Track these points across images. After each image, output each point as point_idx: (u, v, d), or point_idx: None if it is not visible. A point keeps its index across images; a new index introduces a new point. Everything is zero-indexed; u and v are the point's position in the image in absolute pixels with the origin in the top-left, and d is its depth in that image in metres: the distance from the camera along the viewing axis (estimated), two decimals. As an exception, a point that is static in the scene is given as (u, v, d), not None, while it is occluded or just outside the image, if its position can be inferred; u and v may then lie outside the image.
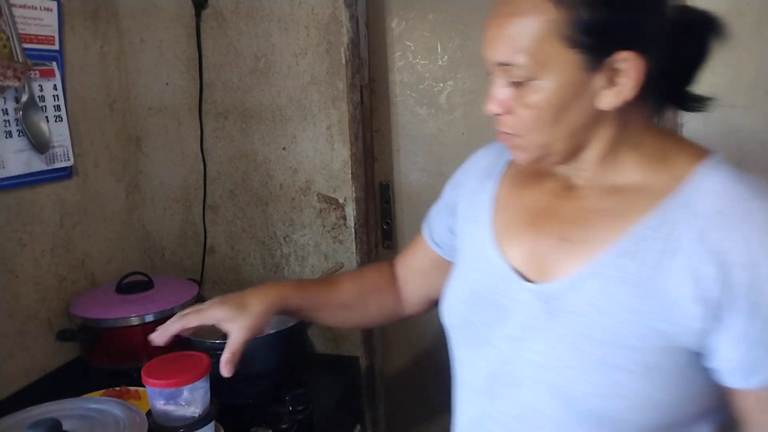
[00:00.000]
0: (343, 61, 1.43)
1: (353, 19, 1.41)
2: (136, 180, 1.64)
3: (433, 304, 1.03)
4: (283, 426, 1.09)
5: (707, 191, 0.67)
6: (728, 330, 0.64)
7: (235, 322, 0.90)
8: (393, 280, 1.06)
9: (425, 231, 1.02)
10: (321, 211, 1.53)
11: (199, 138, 1.57)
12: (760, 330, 0.63)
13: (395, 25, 1.53)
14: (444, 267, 0.95)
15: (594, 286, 0.70)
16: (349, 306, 1.03)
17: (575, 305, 0.71)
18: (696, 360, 0.67)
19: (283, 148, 1.52)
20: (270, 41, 1.47)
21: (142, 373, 0.90)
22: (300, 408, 1.12)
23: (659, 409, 0.67)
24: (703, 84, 1.28)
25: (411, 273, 1.05)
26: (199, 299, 1.48)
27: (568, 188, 0.78)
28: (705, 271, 0.64)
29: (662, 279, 0.66)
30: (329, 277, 1.09)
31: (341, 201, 1.51)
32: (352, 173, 1.48)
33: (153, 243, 1.68)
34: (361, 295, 1.03)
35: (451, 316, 0.86)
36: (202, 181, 1.60)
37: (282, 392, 1.16)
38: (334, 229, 1.53)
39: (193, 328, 0.92)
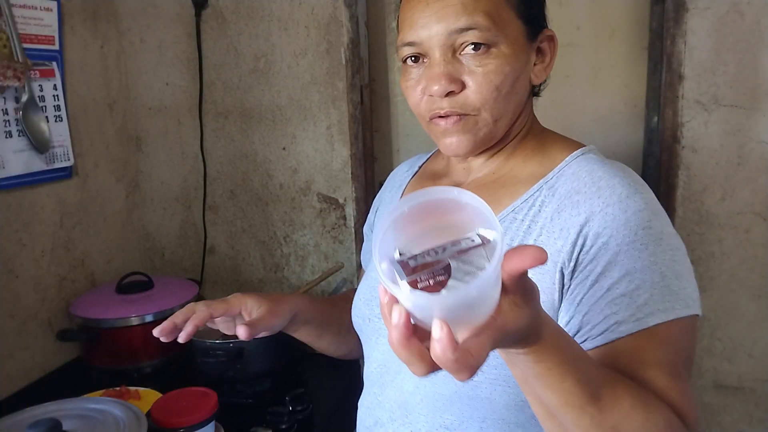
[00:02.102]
0: (343, 61, 1.43)
1: (353, 19, 1.41)
2: (136, 180, 1.64)
3: None
4: (283, 426, 1.09)
5: (568, 174, 0.72)
6: (568, 296, 0.67)
7: (260, 306, 0.87)
8: None
9: (363, 258, 1.04)
10: (321, 211, 1.53)
11: (199, 138, 1.57)
12: (590, 295, 0.65)
13: (395, 25, 1.53)
14: None
15: None
16: (350, 329, 0.99)
17: None
18: None
19: (283, 148, 1.52)
20: (270, 41, 1.47)
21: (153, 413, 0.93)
22: (300, 408, 1.12)
23: (512, 385, 0.69)
24: (703, 84, 1.29)
25: None
26: (199, 299, 1.48)
27: (457, 185, 0.82)
28: (558, 244, 0.68)
29: None
30: (336, 298, 1.09)
31: (341, 201, 1.51)
32: (352, 173, 1.48)
33: (153, 243, 1.68)
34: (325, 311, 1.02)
35: (354, 314, 0.90)
36: (202, 181, 1.60)
37: (282, 392, 1.16)
38: (334, 229, 1.53)
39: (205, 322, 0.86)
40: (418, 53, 0.72)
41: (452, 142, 0.74)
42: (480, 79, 0.69)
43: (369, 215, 1.04)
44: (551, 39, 0.73)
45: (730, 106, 1.26)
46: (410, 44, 0.72)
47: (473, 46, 0.68)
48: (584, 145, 0.78)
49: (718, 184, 1.30)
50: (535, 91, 0.80)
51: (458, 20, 0.67)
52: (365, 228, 1.04)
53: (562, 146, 0.77)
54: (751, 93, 1.25)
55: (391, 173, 1.01)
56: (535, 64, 0.73)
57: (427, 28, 0.69)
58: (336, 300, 1.08)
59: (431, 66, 0.71)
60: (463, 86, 0.70)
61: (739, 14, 1.22)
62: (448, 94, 0.70)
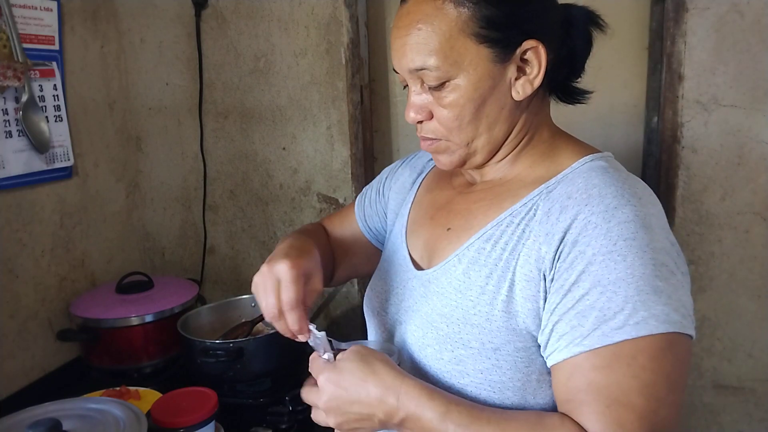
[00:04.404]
0: (343, 61, 1.43)
1: (353, 19, 1.41)
2: (136, 180, 1.64)
3: (349, 280, 1.06)
4: (283, 426, 1.09)
5: (568, 179, 0.71)
6: (547, 305, 0.66)
7: (316, 270, 0.79)
8: (332, 250, 1.03)
9: (359, 216, 1.03)
10: (321, 211, 1.53)
11: (199, 138, 1.57)
12: (562, 304, 0.64)
13: (395, 25, 1.53)
14: (371, 252, 0.96)
15: (459, 269, 0.74)
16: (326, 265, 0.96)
17: (443, 287, 0.75)
18: (538, 347, 0.69)
19: (283, 148, 1.52)
20: (270, 41, 1.47)
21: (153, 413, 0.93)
22: (300, 408, 1.12)
23: (497, 390, 0.69)
24: (703, 84, 1.29)
25: (343, 252, 1.03)
26: (200, 299, 1.48)
27: (469, 185, 0.83)
28: (543, 250, 0.67)
29: (513, 262, 0.69)
30: (310, 234, 0.97)
31: (341, 201, 1.51)
32: (352, 173, 1.48)
33: (153, 243, 1.68)
34: (324, 255, 0.95)
35: (365, 305, 0.91)
36: (202, 181, 1.60)
37: (282, 392, 1.16)
38: (334, 229, 1.53)
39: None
40: (403, 80, 0.76)
41: (436, 159, 0.80)
42: (440, 112, 0.73)
43: (376, 181, 1.02)
44: (533, 50, 0.70)
45: (730, 106, 1.26)
46: (395, 71, 0.76)
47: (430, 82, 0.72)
48: (599, 152, 0.76)
49: (718, 184, 1.30)
50: (573, 90, 0.80)
51: (412, 61, 0.71)
52: (375, 189, 1.01)
53: (573, 151, 0.75)
54: (751, 93, 1.25)
55: (416, 154, 1.00)
56: (517, 79, 0.71)
57: (397, 62, 0.74)
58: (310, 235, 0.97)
59: (408, 94, 0.76)
60: (432, 115, 0.74)
61: (739, 14, 1.22)
62: (419, 121, 0.75)
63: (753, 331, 1.34)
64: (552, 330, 0.65)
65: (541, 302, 0.67)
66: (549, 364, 0.66)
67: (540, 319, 0.67)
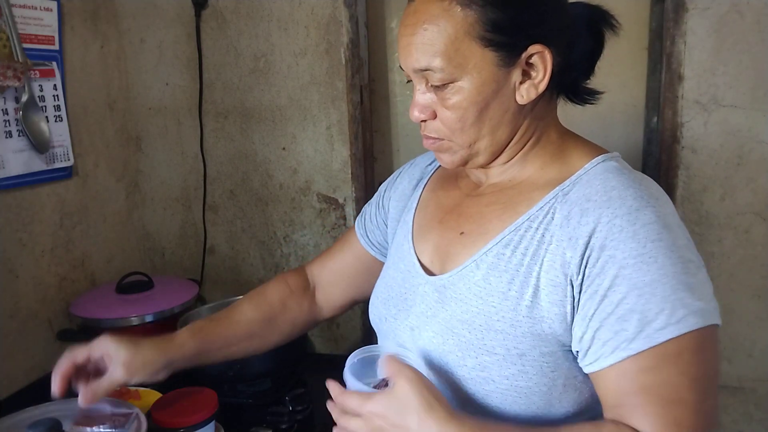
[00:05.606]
0: (343, 61, 1.43)
1: (353, 19, 1.41)
2: (136, 180, 1.64)
3: (356, 305, 1.07)
4: (283, 426, 1.09)
5: (583, 181, 0.71)
6: (580, 311, 0.66)
7: (118, 352, 0.89)
8: (303, 289, 1.04)
9: (359, 232, 1.03)
10: (321, 211, 1.53)
11: (199, 138, 1.57)
12: (600, 310, 0.65)
13: (395, 25, 1.53)
14: (375, 268, 0.96)
15: (478, 275, 0.73)
16: (255, 334, 0.99)
17: (461, 293, 0.74)
18: (565, 352, 0.69)
19: (283, 148, 1.53)
20: (270, 41, 1.47)
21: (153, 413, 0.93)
22: (300, 408, 1.12)
23: (523, 396, 0.69)
24: (703, 84, 1.29)
25: (336, 277, 1.04)
26: (200, 299, 1.48)
27: (476, 187, 0.82)
28: (567, 255, 0.67)
29: (535, 267, 0.69)
30: (227, 310, 1.01)
31: (341, 201, 1.51)
32: (352, 173, 1.48)
33: (153, 243, 1.68)
34: (268, 320, 1.00)
35: (371, 313, 0.90)
36: (202, 181, 1.60)
37: (282, 392, 1.16)
38: (334, 229, 1.53)
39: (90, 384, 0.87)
40: (408, 76, 0.76)
41: (438, 157, 0.79)
42: (443, 113, 0.73)
43: (375, 196, 1.03)
44: (539, 54, 0.70)
45: (730, 106, 1.26)
46: (401, 68, 0.76)
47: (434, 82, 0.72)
48: (607, 152, 0.76)
49: (718, 185, 1.30)
50: (581, 91, 0.80)
51: (417, 61, 0.71)
52: (374, 204, 1.02)
53: (583, 152, 0.75)
54: (751, 93, 1.25)
55: (411, 162, 0.99)
56: (522, 83, 0.71)
57: (403, 60, 0.74)
58: (229, 314, 1.01)
59: (414, 92, 0.76)
60: (435, 115, 0.74)
61: (739, 14, 1.22)
62: (423, 120, 0.75)
63: (753, 331, 1.34)
64: (594, 337, 0.65)
65: (569, 307, 0.67)
66: (591, 370, 0.66)
67: (567, 323, 0.67)
